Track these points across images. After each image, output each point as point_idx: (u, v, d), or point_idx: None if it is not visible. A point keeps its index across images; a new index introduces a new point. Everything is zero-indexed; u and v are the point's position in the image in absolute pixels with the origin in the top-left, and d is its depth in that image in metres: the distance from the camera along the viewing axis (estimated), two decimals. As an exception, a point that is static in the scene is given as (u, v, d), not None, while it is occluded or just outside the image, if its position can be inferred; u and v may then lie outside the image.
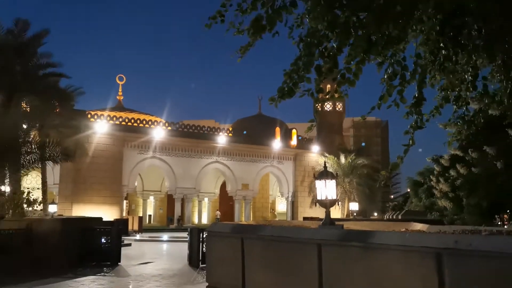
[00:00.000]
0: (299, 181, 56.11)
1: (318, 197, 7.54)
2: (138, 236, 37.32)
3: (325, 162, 10.43)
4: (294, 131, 57.22)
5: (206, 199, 59.98)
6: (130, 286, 15.21)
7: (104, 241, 20.28)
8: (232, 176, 53.31)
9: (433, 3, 5.16)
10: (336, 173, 8.14)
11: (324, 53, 5.27)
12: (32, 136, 26.43)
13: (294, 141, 56.53)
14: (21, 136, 24.98)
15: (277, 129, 56.29)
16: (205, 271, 16.25)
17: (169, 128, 49.30)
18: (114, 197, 44.23)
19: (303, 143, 57.40)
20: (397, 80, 5.60)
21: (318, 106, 77.69)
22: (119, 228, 22.70)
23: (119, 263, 19.58)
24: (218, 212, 58.71)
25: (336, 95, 6.12)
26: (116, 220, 33.48)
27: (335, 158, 54.38)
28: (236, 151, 52.90)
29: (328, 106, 68.62)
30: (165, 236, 37.56)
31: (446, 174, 27.81)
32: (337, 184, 7.52)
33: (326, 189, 7.49)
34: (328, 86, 50.27)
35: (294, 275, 4.66)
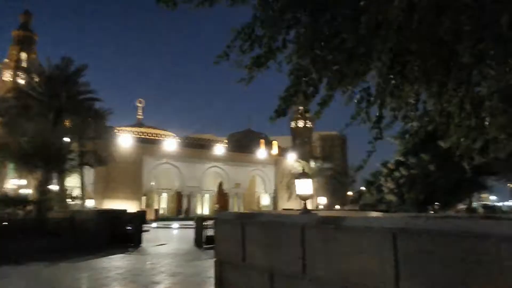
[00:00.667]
0: (279, 181, 56.19)
1: (298, 192, 7.61)
2: (154, 224, 37.13)
3: (303, 167, 10.56)
4: (275, 142, 57.69)
5: (207, 195, 59.71)
6: (151, 261, 15.20)
7: (129, 228, 20.28)
8: (227, 177, 53.46)
9: (387, 47, 5.31)
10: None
11: (309, 82, 5.43)
12: (73, 146, 26.54)
13: (275, 150, 56.83)
14: (65, 147, 25.08)
15: (262, 141, 56.57)
16: (207, 251, 16.34)
17: (179, 140, 49.58)
18: (135, 194, 44.20)
19: (282, 152, 57.64)
20: (364, 103, 5.77)
21: (293, 123, 78.64)
22: (140, 217, 22.65)
23: (140, 245, 19.55)
24: (217, 205, 58.58)
25: (307, 115, 6.27)
26: (137, 212, 33.31)
27: (306, 163, 54.67)
28: (230, 158, 52.96)
29: (300, 123, 68.90)
30: (175, 224, 37.38)
31: (392, 175, 28.01)
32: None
33: (304, 186, 7.59)
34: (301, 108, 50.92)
35: (283, 250, 4.76)
